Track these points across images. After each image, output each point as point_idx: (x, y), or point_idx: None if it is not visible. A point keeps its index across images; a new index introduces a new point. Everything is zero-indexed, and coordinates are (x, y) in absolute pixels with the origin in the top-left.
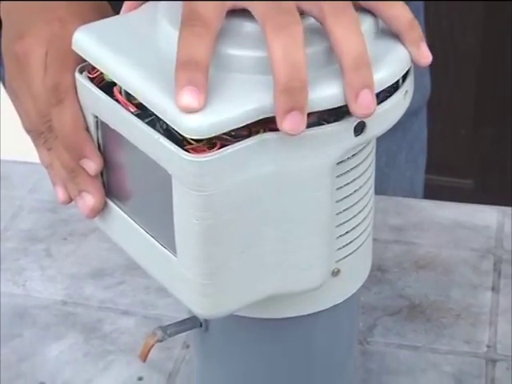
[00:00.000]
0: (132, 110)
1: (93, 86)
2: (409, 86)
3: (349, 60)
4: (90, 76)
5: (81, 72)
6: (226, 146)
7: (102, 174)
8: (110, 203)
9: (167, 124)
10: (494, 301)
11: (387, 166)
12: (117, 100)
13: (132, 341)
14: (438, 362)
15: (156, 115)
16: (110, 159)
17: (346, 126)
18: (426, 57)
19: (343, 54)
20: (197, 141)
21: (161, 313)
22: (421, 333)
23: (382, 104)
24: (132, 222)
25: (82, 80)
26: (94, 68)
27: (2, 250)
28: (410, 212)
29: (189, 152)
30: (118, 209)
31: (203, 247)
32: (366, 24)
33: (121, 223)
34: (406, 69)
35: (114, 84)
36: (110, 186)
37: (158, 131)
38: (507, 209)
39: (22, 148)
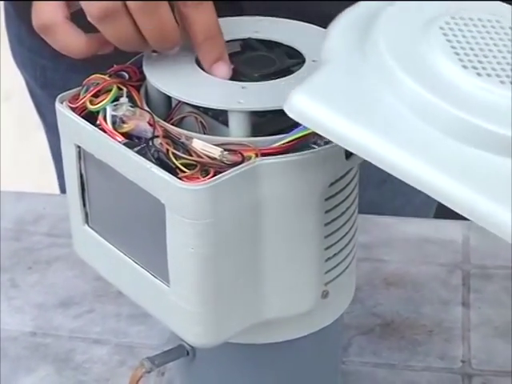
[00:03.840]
0: (119, 140)
1: (75, 116)
2: None
3: (199, 35)
4: (72, 106)
5: (61, 102)
6: (219, 172)
7: (84, 204)
8: (94, 234)
9: (158, 151)
10: (465, 316)
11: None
12: (102, 129)
13: (105, 370)
14: (415, 379)
15: (146, 143)
16: (94, 190)
17: (337, 149)
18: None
19: (192, 31)
20: (190, 168)
21: (133, 340)
22: (395, 351)
23: None
24: (119, 252)
25: (63, 110)
26: (75, 97)
27: None
28: (377, 229)
29: (182, 180)
30: (102, 240)
31: (199, 276)
32: None
33: (106, 254)
34: None
35: (97, 112)
36: (94, 217)
37: (150, 160)
38: (471, 223)
39: None
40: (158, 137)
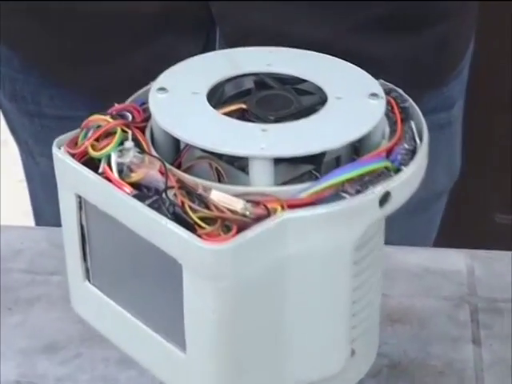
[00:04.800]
0: (128, 191)
1: (76, 163)
2: (427, 144)
3: None
4: (71, 151)
5: (58, 147)
6: (242, 228)
7: (85, 258)
8: (97, 292)
9: (173, 205)
10: (476, 354)
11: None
12: (107, 178)
13: None
14: None
15: (159, 195)
16: (96, 243)
17: (371, 198)
18: None
19: None
20: (209, 223)
21: None
22: None
23: (405, 170)
24: (126, 313)
25: (61, 157)
26: (73, 141)
27: None
28: None
29: (201, 238)
30: (107, 298)
31: (219, 342)
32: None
33: (111, 314)
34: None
35: (99, 159)
36: (97, 273)
37: (164, 214)
38: (475, 252)
39: None
40: (171, 188)
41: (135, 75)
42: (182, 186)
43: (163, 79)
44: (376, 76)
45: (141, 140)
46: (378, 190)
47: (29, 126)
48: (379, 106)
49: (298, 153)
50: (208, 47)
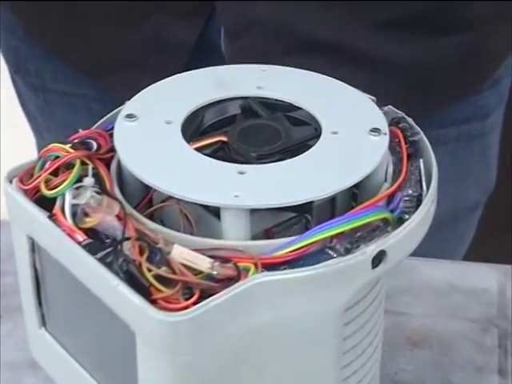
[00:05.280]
0: (80, 239)
1: (26, 201)
2: (435, 192)
3: None
4: (22, 187)
5: (9, 180)
6: (206, 293)
7: (40, 303)
8: (52, 341)
9: (127, 262)
10: None
11: None
12: (59, 221)
13: None
14: None
15: (114, 248)
16: (51, 288)
17: (362, 259)
18: None
19: None
20: (169, 285)
21: None
22: None
23: (405, 224)
24: (81, 368)
25: (11, 192)
26: (28, 172)
27: None
28: (400, 273)
29: (158, 304)
30: (62, 349)
31: None
32: None
33: (65, 366)
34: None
35: (54, 198)
36: (53, 321)
37: (116, 272)
38: (508, 268)
39: None
40: (128, 239)
41: (130, 56)
42: (141, 236)
43: (134, 103)
44: (393, 81)
45: (103, 175)
46: (370, 250)
47: (34, 99)
48: (381, 144)
49: (278, 203)
50: (207, 37)
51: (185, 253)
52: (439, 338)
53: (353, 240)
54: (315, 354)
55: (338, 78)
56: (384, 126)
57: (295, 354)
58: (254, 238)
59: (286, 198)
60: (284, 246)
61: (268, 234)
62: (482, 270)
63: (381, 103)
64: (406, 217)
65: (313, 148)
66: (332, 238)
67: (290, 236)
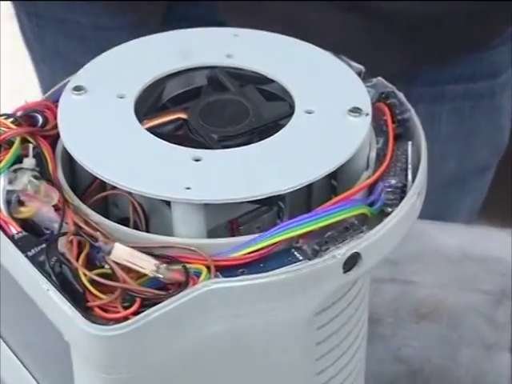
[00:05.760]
0: (14, 232)
1: None
2: (422, 183)
3: None
4: None
5: None
6: (149, 301)
7: None
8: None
9: (61, 262)
10: None
11: None
12: None
13: None
14: None
15: (47, 245)
16: None
17: (331, 264)
18: None
19: None
20: (106, 290)
21: None
22: None
23: (383, 222)
24: (21, 365)
25: None
26: None
27: None
28: (407, 238)
29: (93, 312)
30: (8, 351)
31: None
32: None
33: (8, 361)
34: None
35: None
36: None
37: (47, 273)
38: None
39: None
40: (64, 234)
41: None
42: (79, 231)
43: (84, 73)
44: (397, 31)
45: (46, 156)
46: (341, 253)
47: (29, 25)
48: (361, 127)
49: (236, 197)
50: None
51: (126, 253)
52: (448, 312)
53: (322, 241)
54: (280, 365)
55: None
56: (367, 104)
57: (254, 367)
58: (213, 232)
59: (247, 190)
60: (243, 246)
61: (232, 226)
62: (497, 236)
63: (371, 73)
64: (389, 210)
65: (283, 130)
66: (299, 237)
67: (258, 227)
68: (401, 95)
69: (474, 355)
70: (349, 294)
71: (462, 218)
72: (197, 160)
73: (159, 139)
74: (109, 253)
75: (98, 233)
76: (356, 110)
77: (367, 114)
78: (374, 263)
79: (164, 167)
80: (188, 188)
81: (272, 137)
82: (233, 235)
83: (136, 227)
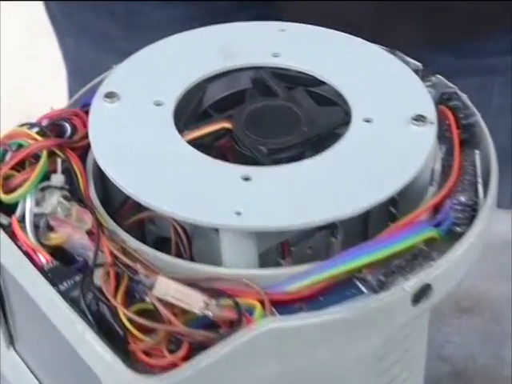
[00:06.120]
0: (43, 261)
1: None
2: (494, 198)
3: None
4: None
5: None
6: (197, 343)
7: (6, 321)
8: (20, 362)
9: (97, 299)
10: None
11: None
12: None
13: None
14: None
15: (82, 279)
16: (18, 310)
17: (400, 297)
18: None
19: None
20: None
21: None
22: None
23: (456, 247)
24: None
25: None
26: None
27: None
28: None
29: (136, 356)
30: (29, 373)
31: None
32: None
33: None
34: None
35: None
36: (21, 342)
37: (83, 311)
38: None
39: None
40: (100, 266)
41: None
42: (116, 262)
43: (117, 77)
44: None
45: (76, 172)
46: (410, 285)
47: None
48: (426, 137)
49: (290, 225)
50: None
51: (171, 288)
52: (492, 305)
53: (388, 271)
54: None
55: None
56: (431, 111)
57: None
58: (263, 256)
59: (303, 216)
60: (300, 278)
61: (283, 248)
62: None
63: (428, 71)
64: (458, 230)
65: (339, 142)
66: (361, 268)
67: (311, 247)
68: (464, 97)
69: None
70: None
71: (507, 199)
72: (246, 179)
73: (203, 154)
74: (151, 287)
75: (138, 265)
76: (420, 118)
77: (432, 123)
78: (446, 292)
79: (210, 188)
80: (238, 213)
81: (327, 151)
82: (283, 257)
83: (177, 252)
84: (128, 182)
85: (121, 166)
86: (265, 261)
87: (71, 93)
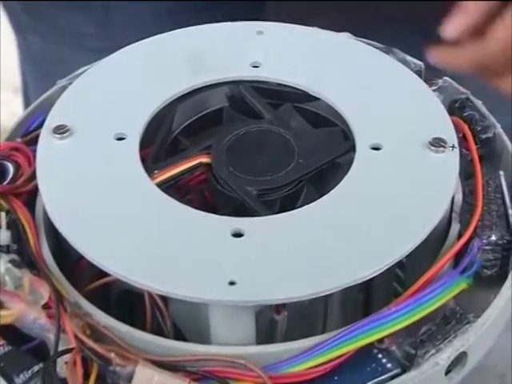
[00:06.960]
0: None
1: None
2: None
3: None
4: None
5: None
6: None
7: None
8: None
9: None
10: None
11: None
12: None
13: None
14: None
15: (44, 367)
16: None
17: (434, 372)
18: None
19: None
20: None
21: None
22: None
23: (494, 303)
24: None
25: None
26: None
27: None
28: None
29: None
30: None
31: None
32: None
33: None
34: None
35: None
36: None
37: None
38: None
39: None
40: (64, 353)
41: None
42: (82, 347)
43: (66, 105)
44: None
45: (25, 226)
46: (444, 358)
47: None
48: (449, 166)
49: (294, 297)
50: None
51: (154, 380)
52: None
53: (417, 340)
54: None
55: None
56: (450, 132)
57: None
58: (259, 324)
59: (307, 285)
60: (307, 356)
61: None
62: None
63: (438, 72)
64: (487, 272)
65: (344, 180)
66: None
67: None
68: (479, 104)
69: None
70: None
71: None
72: (237, 235)
73: (182, 204)
74: (129, 379)
75: (112, 353)
76: (438, 143)
77: (454, 147)
78: (481, 357)
79: (195, 249)
80: (232, 283)
81: (331, 193)
82: (278, 312)
83: (153, 323)
84: (90, 246)
85: (80, 225)
86: (257, 319)
87: (27, 100)
